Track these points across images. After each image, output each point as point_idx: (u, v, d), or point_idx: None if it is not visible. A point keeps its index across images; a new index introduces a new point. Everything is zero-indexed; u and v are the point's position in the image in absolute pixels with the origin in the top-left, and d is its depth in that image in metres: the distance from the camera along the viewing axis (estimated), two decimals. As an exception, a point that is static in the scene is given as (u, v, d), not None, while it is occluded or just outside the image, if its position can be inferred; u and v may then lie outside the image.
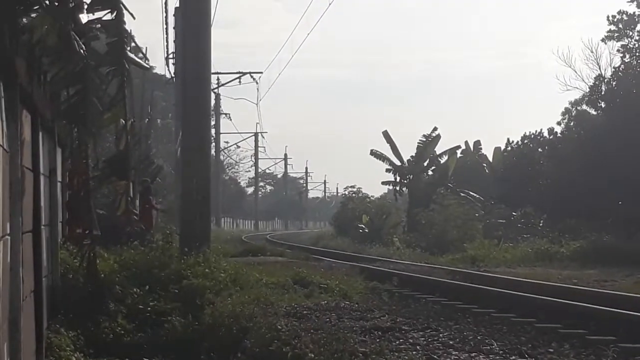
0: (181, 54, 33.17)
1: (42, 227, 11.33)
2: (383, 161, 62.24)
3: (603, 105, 46.12)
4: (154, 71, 58.73)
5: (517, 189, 50.47)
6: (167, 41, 44.98)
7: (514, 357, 10.43)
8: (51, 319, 12.57)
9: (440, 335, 12.06)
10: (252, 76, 67.66)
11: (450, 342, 11.42)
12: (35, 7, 9.49)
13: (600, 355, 11.18)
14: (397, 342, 11.40)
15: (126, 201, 12.46)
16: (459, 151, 63.14)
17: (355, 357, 10.08)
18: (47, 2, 9.52)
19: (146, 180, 28.06)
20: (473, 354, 10.53)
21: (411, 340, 11.57)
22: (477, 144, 65.50)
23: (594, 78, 47.40)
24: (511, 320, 15.02)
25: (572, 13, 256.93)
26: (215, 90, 72.77)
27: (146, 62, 36.63)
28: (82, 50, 10.13)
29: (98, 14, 10.95)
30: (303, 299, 16.19)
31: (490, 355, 10.51)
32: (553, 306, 16.31)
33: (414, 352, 10.57)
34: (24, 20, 9.45)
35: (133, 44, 32.66)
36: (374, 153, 62.62)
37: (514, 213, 49.03)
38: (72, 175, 13.21)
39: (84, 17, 10.79)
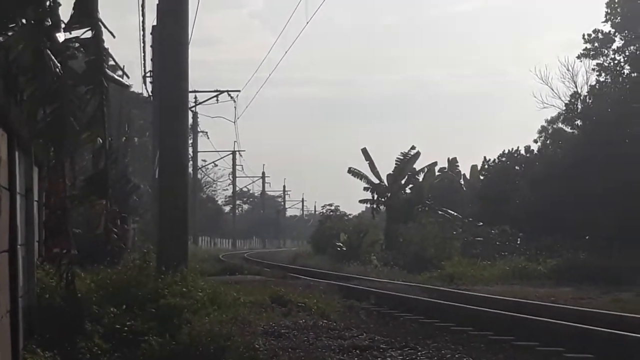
0: (158, 72, 33.15)
1: (19, 246, 11.26)
2: (361, 179, 62.34)
3: (579, 123, 46.40)
4: (131, 89, 58.60)
5: (494, 207, 50.63)
6: (144, 59, 44.90)
7: (491, 375, 10.44)
8: (27, 339, 12.47)
9: (419, 353, 12.08)
10: (229, 94, 67.68)
11: (428, 361, 11.44)
12: (11, 26, 9.47)
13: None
14: (375, 361, 11.40)
15: (106, 220, 12.42)
16: (436, 168, 63.34)
17: (334, 376, 10.07)
18: (24, 21, 9.51)
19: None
20: (451, 373, 10.54)
21: (389, 359, 11.58)
22: (454, 161, 65.74)
23: (570, 96, 47.74)
24: (489, 339, 15.05)
25: (549, 31, 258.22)
26: (193, 109, 72.78)
27: (125, 79, 36.58)
28: (57, 70, 10.10)
29: (76, 32, 10.95)
30: (281, 318, 16.17)
31: (468, 374, 10.52)
32: (531, 324, 16.35)
33: (392, 371, 10.57)
34: (0, 38, 9.42)
35: (112, 62, 32.56)
36: (351, 171, 62.72)
37: (491, 231, 49.18)
38: (49, 195, 13.16)
39: (62, 36, 10.78)
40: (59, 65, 10.34)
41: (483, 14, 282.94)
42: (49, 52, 10.12)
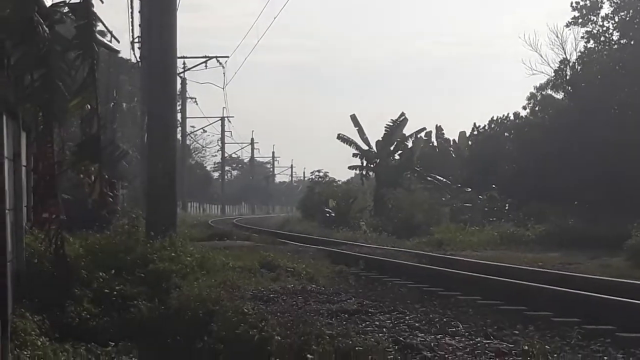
0: (147, 38, 33.03)
1: (7, 211, 11.25)
2: (350, 145, 62.31)
3: (568, 90, 46.41)
4: (120, 55, 58.28)
5: (483, 173, 50.73)
6: (132, 25, 44.66)
7: (479, 339, 10.49)
8: (16, 303, 12.50)
9: (407, 317, 12.11)
10: (218, 60, 67.42)
11: (417, 325, 11.47)
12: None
13: (564, 336, 11.27)
14: (364, 325, 11.44)
15: (100, 184, 12.43)
16: (423, 133, 63.34)
17: (322, 339, 10.10)
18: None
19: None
20: (439, 336, 10.59)
21: (378, 323, 11.61)
22: (440, 129, 65.80)
23: (559, 62, 47.68)
24: (477, 303, 15.11)
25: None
26: (182, 75, 72.49)
27: (115, 44, 36.44)
28: (46, 34, 10.06)
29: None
30: (270, 283, 16.19)
31: (456, 337, 10.57)
32: (519, 289, 16.43)
33: (380, 335, 10.61)
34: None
35: (100, 27, 32.43)
36: (341, 137, 62.67)
37: (480, 197, 49.28)
38: (37, 160, 13.14)
39: (49, 0, 10.74)
40: (47, 30, 10.30)
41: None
42: (38, 16, 10.08)
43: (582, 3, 47.49)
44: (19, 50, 10.71)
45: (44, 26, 10.21)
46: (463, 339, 10.47)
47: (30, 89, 11.25)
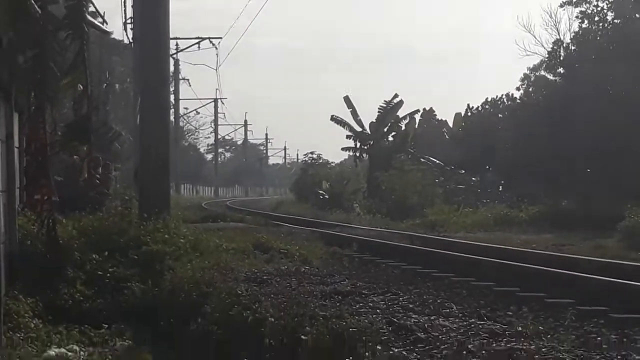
0: (139, 18, 32.87)
1: (-1, 192, 11.23)
2: (344, 127, 62.27)
3: (562, 71, 46.37)
4: (112, 36, 58.00)
5: (477, 155, 50.73)
6: (124, 5, 44.51)
7: (473, 320, 10.47)
8: (9, 285, 12.47)
9: (400, 299, 12.08)
10: (211, 41, 67.42)
11: (410, 306, 11.45)
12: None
13: (558, 318, 11.27)
14: (358, 306, 11.42)
15: (88, 166, 12.38)
16: (417, 115, 63.30)
17: (316, 320, 10.08)
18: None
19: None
20: (433, 317, 10.57)
21: (371, 304, 11.59)
22: (431, 110, 65.78)
23: (553, 43, 47.62)
24: (470, 284, 15.12)
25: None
26: (174, 56, 72.35)
27: (105, 26, 36.25)
28: (37, 14, 10.00)
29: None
30: (263, 264, 16.16)
31: (450, 318, 10.55)
32: (512, 270, 16.45)
33: (374, 316, 10.59)
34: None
35: (91, 8, 32.29)
36: (334, 119, 62.62)
37: (473, 178, 49.30)
38: (29, 141, 13.09)
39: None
40: (39, 10, 10.23)
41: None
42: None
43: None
44: (12, 30, 10.64)
45: (37, 6, 10.13)
46: (457, 320, 10.45)
47: (22, 69, 11.18)
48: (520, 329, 9.80)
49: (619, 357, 7.97)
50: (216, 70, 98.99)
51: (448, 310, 11.09)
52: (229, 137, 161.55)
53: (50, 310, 12.61)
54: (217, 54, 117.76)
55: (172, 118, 67.70)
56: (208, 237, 18.39)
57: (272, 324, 10.26)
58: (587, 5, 47.06)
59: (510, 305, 12.09)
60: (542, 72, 49.43)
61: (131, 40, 44.11)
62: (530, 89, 50.40)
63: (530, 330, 9.70)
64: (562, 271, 15.39)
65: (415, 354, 8.43)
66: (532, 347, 8.37)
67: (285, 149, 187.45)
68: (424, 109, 65.68)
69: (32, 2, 9.88)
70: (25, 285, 12.97)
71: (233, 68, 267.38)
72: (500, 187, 47.61)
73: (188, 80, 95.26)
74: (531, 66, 50.84)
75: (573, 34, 47.12)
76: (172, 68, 71.69)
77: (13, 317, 11.41)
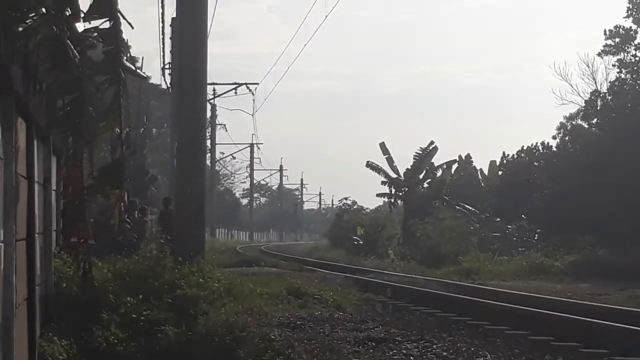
0: (177, 64, 33.19)
1: (36, 235, 11.32)
2: (379, 173, 62.27)
3: (598, 120, 46.19)
4: (150, 81, 58.68)
5: (512, 203, 50.47)
6: (163, 51, 45.01)
7: (507, 369, 10.43)
8: (44, 327, 12.53)
9: (434, 346, 12.05)
10: (248, 87, 67.70)
11: (444, 354, 11.42)
12: (32, 15, 9.48)
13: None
14: (391, 353, 11.40)
15: (119, 210, 12.45)
16: (454, 165, 63.22)
17: (349, 367, 10.07)
18: (44, 10, 9.52)
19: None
20: (466, 366, 10.53)
21: (405, 351, 11.57)
22: (468, 157, 65.67)
23: (590, 93, 47.52)
24: (505, 333, 15.04)
25: (568, 27, 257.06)
26: (212, 101, 72.79)
27: (142, 71, 36.64)
28: (77, 59, 10.11)
29: (95, 23, 10.96)
30: (297, 310, 16.17)
31: (484, 367, 10.51)
32: (547, 319, 16.32)
33: (407, 363, 10.57)
34: (20, 28, 9.44)
35: (130, 54, 32.70)
36: (370, 165, 62.65)
37: (509, 226, 49.03)
38: (66, 184, 13.18)
39: (81, 26, 10.80)
40: (78, 55, 10.35)
41: (497, 9, 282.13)
42: (70, 41, 10.14)
43: (615, 31, 47.39)
44: (51, 75, 10.77)
45: (76, 51, 10.25)
46: (491, 369, 10.41)
47: (61, 113, 11.30)
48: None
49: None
50: (252, 115, 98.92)
51: (482, 359, 11.04)
52: (265, 182, 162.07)
53: (85, 352, 12.65)
54: (253, 100, 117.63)
55: (208, 162, 67.98)
56: (242, 281, 18.42)
57: (304, 369, 10.25)
58: (625, 54, 46.98)
59: (545, 355, 12.03)
60: (579, 121, 49.29)
61: (169, 86, 44.67)
62: (567, 138, 50.21)
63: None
64: (597, 321, 15.25)
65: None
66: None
67: (320, 194, 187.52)
68: (460, 157, 65.57)
69: (72, 47, 10.00)
70: (60, 327, 13.03)
71: (270, 112, 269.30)
72: (536, 235, 47.28)
73: (224, 125, 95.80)
74: (567, 115, 50.76)
75: (609, 83, 47.01)
76: (209, 113, 72.15)
77: (47, 359, 11.45)
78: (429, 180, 62.31)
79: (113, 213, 12.33)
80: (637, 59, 46.59)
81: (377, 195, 65.94)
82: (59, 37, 9.77)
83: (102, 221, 20.80)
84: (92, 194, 12.95)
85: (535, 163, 53.23)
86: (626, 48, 47.08)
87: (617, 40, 47.36)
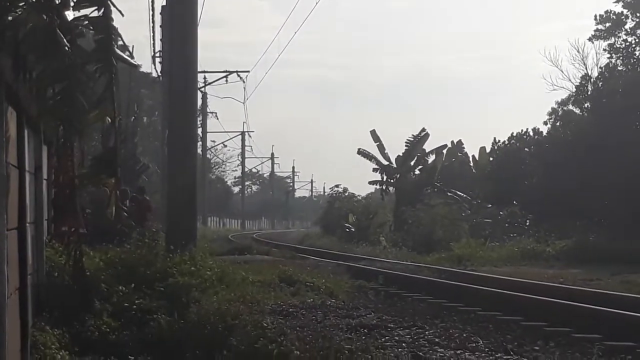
0: (168, 52, 33.15)
1: (27, 224, 11.30)
2: (370, 160, 62.28)
3: (589, 105, 46.26)
4: (141, 70, 58.56)
5: (504, 189, 50.55)
6: (153, 40, 45.01)
7: (499, 355, 10.44)
8: (36, 317, 12.52)
9: (426, 333, 12.07)
10: (239, 75, 67.68)
11: (436, 340, 11.43)
12: (21, 4, 9.45)
13: (585, 353, 11.21)
14: (383, 340, 11.41)
15: (115, 198, 12.42)
16: (444, 150, 63.25)
17: (341, 354, 10.08)
18: (33, -1, 9.50)
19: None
20: (459, 352, 10.54)
21: (397, 338, 11.58)
22: (459, 143, 65.67)
23: (580, 78, 47.59)
24: (497, 319, 15.07)
25: (558, 15, 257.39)
26: (202, 89, 72.73)
27: (133, 60, 36.53)
28: (67, 47, 10.08)
29: (85, 11, 10.93)
30: (289, 297, 16.19)
31: (476, 353, 10.52)
32: (539, 305, 16.36)
33: (399, 350, 10.59)
34: (9, 17, 9.41)
35: (120, 42, 32.57)
36: (361, 152, 62.66)
37: (500, 212, 49.13)
38: (57, 173, 13.16)
39: (70, 14, 10.76)
40: (68, 44, 10.32)
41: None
42: (59, 30, 10.11)
43: (605, 16, 47.44)
44: (41, 64, 10.73)
45: (66, 40, 10.22)
46: (483, 355, 10.42)
47: (51, 102, 11.27)
48: (546, 364, 9.76)
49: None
50: (243, 103, 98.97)
51: (474, 345, 11.07)
52: (256, 170, 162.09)
53: (77, 341, 12.64)
54: (244, 88, 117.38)
55: (199, 151, 67.92)
56: (234, 269, 18.43)
57: (297, 357, 10.27)
58: (616, 39, 47.04)
59: (537, 340, 12.05)
60: (570, 107, 49.37)
61: (160, 74, 44.62)
62: (558, 124, 50.30)
63: (557, 365, 9.65)
64: (589, 306, 15.29)
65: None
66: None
67: (312, 182, 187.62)
68: (452, 142, 65.62)
69: (62, 36, 9.97)
70: (52, 316, 13.01)
71: (260, 100, 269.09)
72: (527, 221, 47.37)
73: (215, 113, 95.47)
74: (559, 100, 50.84)
75: (600, 68, 47.09)
76: (199, 101, 72.06)
77: (40, 349, 11.44)
78: (420, 167, 62.37)
79: (109, 201, 12.30)
80: (627, 43, 46.64)
81: (369, 182, 66.09)
82: (48, 25, 9.74)
83: (94, 210, 20.82)
84: (86, 183, 12.93)
85: (526, 149, 53.34)
86: (617, 33, 47.14)
87: (607, 25, 47.41)
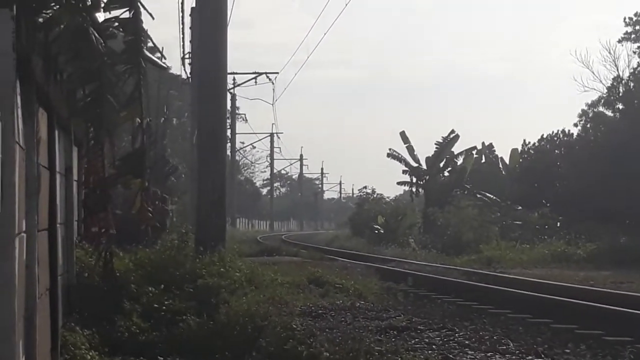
0: (197, 54, 33.22)
1: (58, 225, 11.32)
2: (400, 162, 62.18)
3: (620, 107, 45.96)
4: (170, 71, 58.70)
5: (534, 191, 50.33)
6: (183, 41, 45.06)
7: (530, 357, 10.38)
8: (66, 317, 12.56)
9: (456, 335, 12.02)
10: (268, 76, 67.73)
11: (466, 342, 11.39)
12: (52, 5, 9.49)
13: (616, 356, 11.14)
14: (413, 342, 11.37)
15: (141, 199, 12.46)
16: (474, 152, 63.03)
17: (371, 356, 10.05)
18: (64, 0, 9.53)
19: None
20: (489, 354, 10.49)
21: (427, 340, 11.54)
22: (490, 146, 65.41)
23: (612, 79, 47.34)
24: (527, 321, 14.99)
25: (590, 12, 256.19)
26: (231, 91, 72.85)
27: (163, 61, 36.64)
28: (101, 46, 10.13)
29: (115, 13, 10.98)
30: (318, 299, 16.17)
31: (507, 355, 10.46)
32: (569, 307, 16.25)
33: (429, 352, 10.54)
34: (41, 18, 9.45)
35: (150, 44, 32.74)
36: (391, 154, 62.56)
37: (532, 215, 48.90)
38: (88, 174, 13.21)
39: (101, 16, 10.81)
40: (102, 42, 10.37)
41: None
42: (91, 31, 10.15)
43: (635, 19, 47.11)
44: (72, 65, 10.78)
45: (101, 40, 10.27)
46: (513, 357, 10.36)
47: (82, 103, 11.32)
48: (578, 366, 9.69)
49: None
50: (272, 105, 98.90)
51: (504, 347, 11.01)
52: (285, 172, 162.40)
53: (107, 342, 12.67)
54: (273, 89, 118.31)
55: (228, 152, 68.05)
56: (263, 270, 18.43)
57: (327, 358, 10.24)
58: (646, 41, 46.76)
59: (568, 343, 11.97)
60: (601, 109, 49.08)
61: (189, 75, 44.70)
62: (588, 125, 50.01)
63: (588, 368, 9.58)
64: (620, 309, 15.17)
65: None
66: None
67: (340, 183, 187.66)
68: (483, 144, 65.35)
69: (96, 35, 10.01)
70: (82, 317, 13.06)
71: (290, 102, 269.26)
72: (558, 223, 47.13)
73: (244, 115, 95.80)
74: (589, 102, 50.56)
75: (631, 70, 46.78)
76: (229, 102, 72.16)
77: (70, 349, 11.47)
78: (449, 168, 62.19)
79: (134, 202, 12.33)
80: (658, 45, 46.38)
81: (398, 183, 65.93)
82: (81, 26, 9.78)
83: (124, 211, 20.87)
84: (113, 184, 12.97)
85: (556, 151, 53.06)
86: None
87: (637, 27, 47.10)
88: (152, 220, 15.88)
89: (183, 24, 44.73)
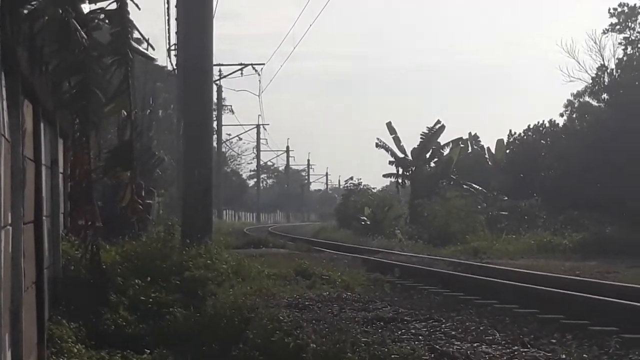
0: (183, 45, 33.17)
1: (44, 218, 11.29)
2: (387, 152, 62.17)
3: (606, 97, 46.08)
4: (156, 63, 58.58)
5: (520, 181, 50.44)
6: (168, 32, 45.01)
7: (516, 348, 10.40)
8: (53, 310, 12.54)
9: (443, 325, 12.05)
10: (254, 68, 67.70)
11: (453, 333, 11.42)
12: (36, -3, 9.45)
13: (602, 345, 11.17)
14: (400, 333, 11.40)
15: (131, 192, 12.45)
16: (460, 143, 63.09)
17: (358, 347, 10.06)
18: (48, -9, 9.49)
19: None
20: (475, 344, 10.51)
21: (413, 331, 11.57)
22: (475, 136, 65.51)
23: (597, 69, 47.42)
24: (513, 312, 15.01)
25: (577, 4, 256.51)
26: (217, 82, 72.80)
27: (151, 51, 36.56)
28: (83, 40, 10.09)
29: (101, 4, 10.93)
30: (305, 290, 16.19)
31: (493, 346, 10.49)
32: (555, 297, 16.30)
33: (416, 343, 10.56)
34: (25, 10, 9.40)
35: (136, 34, 32.65)
36: (378, 144, 62.53)
37: (520, 205, 49.02)
38: (73, 166, 13.19)
39: (86, 7, 10.77)
40: (85, 36, 10.32)
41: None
42: (75, 23, 10.11)
43: (619, 10, 47.22)
44: (57, 57, 10.73)
45: (82, 33, 10.22)
46: (500, 348, 10.39)
47: (67, 95, 11.28)
48: (564, 356, 9.73)
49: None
50: (259, 96, 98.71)
51: (491, 338, 11.04)
52: (271, 163, 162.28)
53: (93, 335, 12.66)
54: (259, 80, 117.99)
55: (214, 144, 67.96)
56: (250, 262, 18.43)
57: (313, 350, 10.25)
58: (631, 31, 46.85)
59: (554, 333, 12.01)
60: (586, 98, 49.19)
61: (175, 67, 44.60)
62: (574, 115, 50.13)
63: (574, 358, 9.62)
64: (606, 299, 15.23)
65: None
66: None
67: (327, 175, 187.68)
68: (470, 134, 65.44)
69: (78, 29, 9.97)
70: (69, 310, 13.03)
71: (276, 93, 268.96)
72: (544, 213, 47.25)
73: (231, 106, 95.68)
74: (575, 92, 50.68)
75: (617, 60, 46.90)
76: (215, 94, 72.06)
77: (56, 342, 11.45)
78: (435, 159, 62.24)
79: (124, 194, 12.32)
80: (642, 35, 46.50)
81: (384, 175, 66.02)
82: (64, 18, 9.75)
83: (110, 203, 20.83)
84: (101, 176, 12.96)
85: (542, 141, 53.18)
86: (631, 25, 46.93)
87: (621, 18, 47.21)
88: (143, 212, 15.90)
89: (168, 15, 44.67)
